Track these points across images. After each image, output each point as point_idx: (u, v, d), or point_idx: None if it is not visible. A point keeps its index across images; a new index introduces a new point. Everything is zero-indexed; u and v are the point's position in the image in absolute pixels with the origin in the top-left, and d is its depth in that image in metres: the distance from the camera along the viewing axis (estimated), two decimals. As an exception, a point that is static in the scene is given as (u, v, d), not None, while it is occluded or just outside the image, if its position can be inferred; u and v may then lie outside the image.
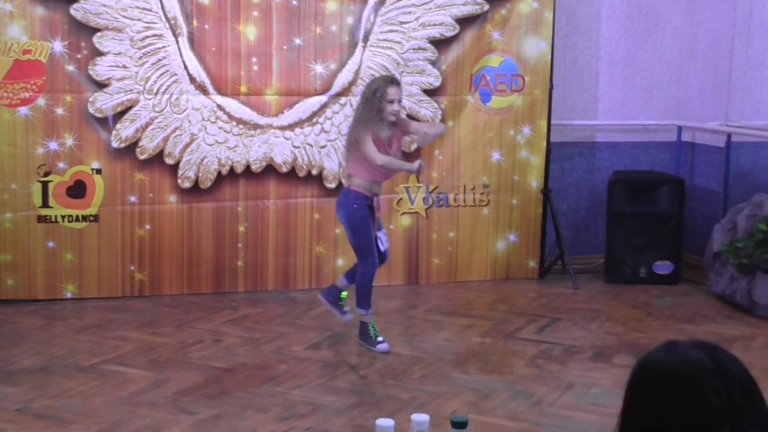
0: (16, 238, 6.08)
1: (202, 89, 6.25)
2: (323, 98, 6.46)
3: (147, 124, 6.19)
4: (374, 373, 4.96)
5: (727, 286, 6.33)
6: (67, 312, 6.01)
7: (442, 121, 6.65)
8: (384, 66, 6.50)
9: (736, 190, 6.99)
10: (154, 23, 6.11)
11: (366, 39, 6.49)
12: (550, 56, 6.80)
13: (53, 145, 6.05)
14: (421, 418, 2.35)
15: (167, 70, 6.17)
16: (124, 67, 6.09)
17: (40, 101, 5.99)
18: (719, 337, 5.59)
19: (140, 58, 6.11)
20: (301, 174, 6.52)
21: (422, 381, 4.85)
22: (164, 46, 6.15)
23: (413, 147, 6.47)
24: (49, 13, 5.93)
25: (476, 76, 6.72)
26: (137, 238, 6.27)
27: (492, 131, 6.80)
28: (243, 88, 6.31)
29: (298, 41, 6.37)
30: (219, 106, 6.30)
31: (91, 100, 6.07)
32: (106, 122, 6.12)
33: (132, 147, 6.19)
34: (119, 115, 6.13)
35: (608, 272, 7.01)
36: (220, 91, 6.28)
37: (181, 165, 6.29)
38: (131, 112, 6.15)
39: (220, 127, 6.32)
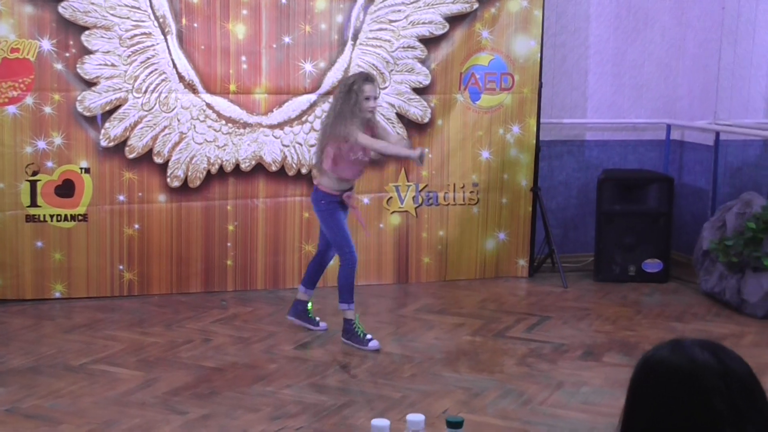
0: (4, 237, 6.05)
1: (191, 88, 6.23)
2: (313, 97, 6.45)
3: (136, 123, 6.17)
4: (364, 372, 4.96)
5: (717, 284, 6.35)
6: (56, 312, 5.99)
7: (431, 120, 6.65)
8: (373, 64, 6.49)
9: (725, 188, 7.01)
10: (143, 21, 6.09)
11: (355, 37, 6.48)
12: (539, 55, 6.80)
13: (41, 144, 6.03)
14: (416, 417, 2.34)
15: (156, 69, 6.15)
16: (113, 65, 6.07)
17: (29, 100, 5.96)
18: (708, 336, 5.57)
19: (129, 56, 6.09)
20: (291, 173, 6.51)
21: (413, 380, 4.84)
22: (153, 45, 6.12)
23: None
24: (38, 11, 5.90)
25: (466, 74, 6.71)
26: (126, 238, 6.25)
27: (481, 130, 6.80)
28: (232, 87, 6.30)
29: (287, 39, 6.36)
30: (208, 105, 6.28)
31: (79, 98, 6.04)
32: (95, 121, 6.10)
33: (121, 146, 6.17)
34: (108, 114, 6.11)
35: (598, 270, 7.01)
36: (210, 90, 6.27)
37: (170, 164, 6.27)
38: (120, 110, 6.13)
39: (209, 126, 6.31)
